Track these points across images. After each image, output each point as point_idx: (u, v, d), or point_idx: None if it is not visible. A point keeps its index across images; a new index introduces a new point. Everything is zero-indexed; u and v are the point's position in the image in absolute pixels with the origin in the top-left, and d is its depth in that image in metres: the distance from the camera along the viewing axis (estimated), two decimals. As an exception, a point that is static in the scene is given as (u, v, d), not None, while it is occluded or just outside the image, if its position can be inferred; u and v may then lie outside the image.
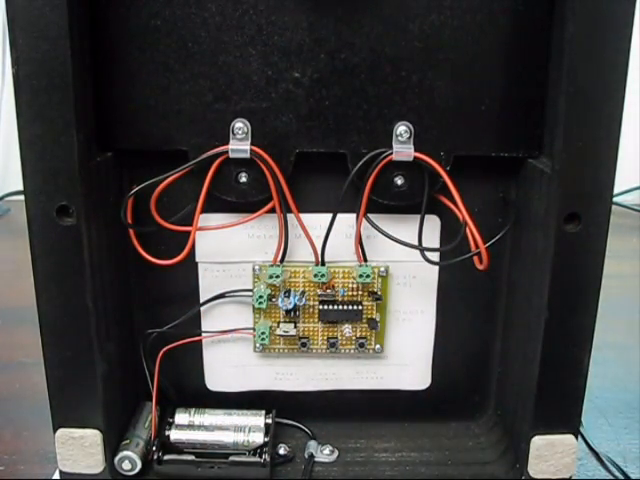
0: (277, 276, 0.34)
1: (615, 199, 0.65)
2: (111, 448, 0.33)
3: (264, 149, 0.31)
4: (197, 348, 0.37)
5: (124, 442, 0.34)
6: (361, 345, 0.36)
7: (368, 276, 0.34)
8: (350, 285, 0.35)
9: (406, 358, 0.37)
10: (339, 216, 0.33)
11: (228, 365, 0.37)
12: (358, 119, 0.31)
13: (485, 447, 0.37)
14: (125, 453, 0.33)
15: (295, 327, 0.35)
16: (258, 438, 0.35)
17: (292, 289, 0.35)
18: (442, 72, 0.30)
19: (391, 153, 0.31)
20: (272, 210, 0.33)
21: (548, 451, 0.33)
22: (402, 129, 0.31)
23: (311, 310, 0.35)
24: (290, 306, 0.34)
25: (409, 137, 0.31)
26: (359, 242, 0.34)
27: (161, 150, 0.31)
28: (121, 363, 0.34)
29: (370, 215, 0.33)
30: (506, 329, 0.36)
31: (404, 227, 0.34)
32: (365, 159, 0.31)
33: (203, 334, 0.36)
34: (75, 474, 0.33)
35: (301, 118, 0.31)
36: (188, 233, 0.32)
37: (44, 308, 0.30)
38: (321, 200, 0.34)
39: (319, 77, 0.30)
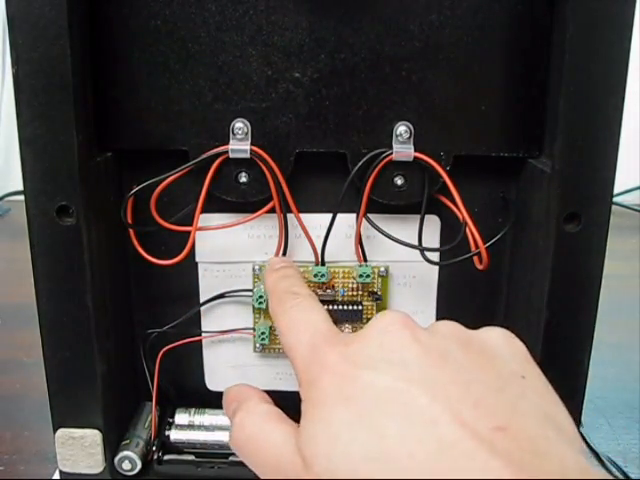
0: (277, 276, 0.34)
1: (615, 199, 0.65)
2: (111, 448, 0.33)
3: (264, 149, 0.31)
4: (197, 348, 0.37)
5: (124, 442, 0.34)
6: (361, 345, 0.36)
7: (368, 276, 0.34)
8: (350, 285, 0.35)
9: (406, 358, 0.37)
10: (339, 216, 0.33)
11: (228, 365, 0.37)
12: (358, 119, 0.31)
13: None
14: (125, 453, 0.33)
15: (295, 327, 0.35)
16: (258, 438, 0.35)
17: (292, 289, 0.35)
18: (442, 72, 0.30)
19: (391, 153, 0.31)
20: (272, 210, 0.33)
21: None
22: (402, 129, 0.31)
23: (311, 310, 0.35)
24: (290, 306, 0.34)
25: (409, 137, 0.31)
26: (359, 242, 0.34)
27: (161, 150, 0.31)
28: (121, 363, 0.34)
29: (370, 215, 0.33)
30: (506, 329, 0.36)
31: (404, 227, 0.34)
32: (365, 159, 0.31)
33: (203, 334, 0.36)
34: (75, 474, 0.33)
35: (301, 118, 0.31)
36: (188, 233, 0.32)
37: (44, 308, 0.30)
38: (321, 200, 0.34)
39: (319, 77, 0.30)
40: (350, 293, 0.35)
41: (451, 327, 0.23)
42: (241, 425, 0.24)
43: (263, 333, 0.35)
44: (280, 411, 0.24)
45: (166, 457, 0.34)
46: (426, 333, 0.22)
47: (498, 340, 0.22)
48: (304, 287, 0.28)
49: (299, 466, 0.21)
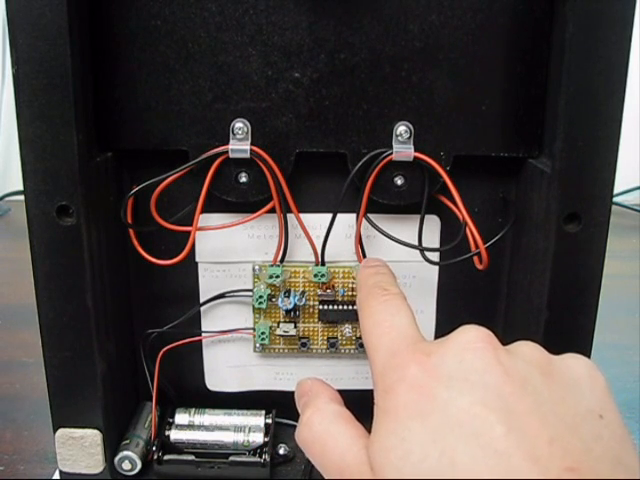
0: (277, 276, 0.34)
1: (615, 199, 0.65)
2: (111, 448, 0.33)
3: (264, 149, 0.31)
4: (197, 348, 0.37)
5: (124, 442, 0.34)
6: (361, 345, 0.36)
7: (368, 276, 0.34)
8: (350, 285, 0.35)
9: (406, 358, 0.37)
10: (339, 216, 0.33)
11: (228, 365, 0.37)
12: (358, 119, 0.31)
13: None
14: (125, 453, 0.33)
15: (295, 327, 0.35)
16: (258, 438, 0.35)
17: (292, 289, 0.35)
18: (442, 72, 0.30)
19: (391, 153, 0.31)
20: (272, 210, 0.33)
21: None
22: (402, 129, 0.31)
23: (311, 310, 0.35)
24: (290, 306, 0.34)
25: (409, 137, 0.31)
26: (359, 242, 0.34)
27: (161, 150, 0.31)
28: (121, 363, 0.34)
29: (370, 215, 0.33)
30: (506, 329, 0.36)
31: (404, 227, 0.34)
32: (365, 159, 0.31)
33: (203, 334, 0.36)
34: (75, 474, 0.33)
35: (301, 118, 0.31)
36: (188, 233, 0.32)
37: (44, 308, 0.30)
38: (321, 200, 0.34)
39: (319, 77, 0.30)
40: (350, 293, 0.35)
41: (533, 350, 0.22)
42: (309, 423, 0.24)
43: (263, 333, 0.35)
44: (349, 413, 0.24)
45: (166, 457, 0.34)
46: (508, 355, 0.21)
47: (580, 371, 0.22)
48: (395, 285, 0.28)
49: (366, 474, 0.21)
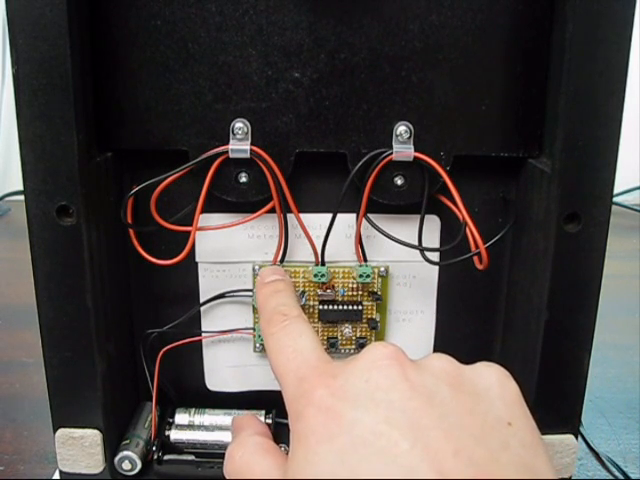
0: (277, 276, 0.34)
1: (615, 199, 0.65)
2: (111, 448, 0.33)
3: (264, 149, 0.31)
4: (197, 348, 0.37)
5: (124, 442, 0.34)
6: (361, 345, 0.36)
7: (368, 276, 0.34)
8: (350, 285, 0.35)
9: (406, 358, 0.37)
10: (339, 216, 0.33)
11: (228, 365, 0.37)
12: (358, 119, 0.31)
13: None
14: (125, 453, 0.33)
15: (295, 327, 0.35)
16: (258, 438, 0.35)
17: (292, 289, 0.35)
18: (442, 72, 0.30)
19: (391, 153, 0.31)
20: (272, 210, 0.33)
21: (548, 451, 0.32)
22: (402, 129, 0.31)
23: (311, 310, 0.35)
24: (290, 306, 0.34)
25: (409, 137, 0.31)
26: (359, 242, 0.34)
27: (161, 150, 0.31)
28: (121, 363, 0.34)
29: (370, 215, 0.33)
30: (506, 329, 0.36)
31: (404, 227, 0.34)
32: (365, 159, 0.31)
33: (203, 334, 0.36)
34: (75, 474, 0.33)
35: (301, 118, 0.31)
36: (188, 233, 0.32)
37: (44, 308, 0.30)
38: (321, 200, 0.34)
39: (319, 77, 0.30)
40: (350, 293, 0.35)
41: (443, 363, 0.22)
42: (230, 457, 0.25)
43: (263, 333, 0.35)
44: (272, 444, 0.25)
45: (166, 457, 0.34)
46: (416, 370, 0.21)
47: (491, 380, 0.22)
48: (294, 306, 0.28)
49: None
